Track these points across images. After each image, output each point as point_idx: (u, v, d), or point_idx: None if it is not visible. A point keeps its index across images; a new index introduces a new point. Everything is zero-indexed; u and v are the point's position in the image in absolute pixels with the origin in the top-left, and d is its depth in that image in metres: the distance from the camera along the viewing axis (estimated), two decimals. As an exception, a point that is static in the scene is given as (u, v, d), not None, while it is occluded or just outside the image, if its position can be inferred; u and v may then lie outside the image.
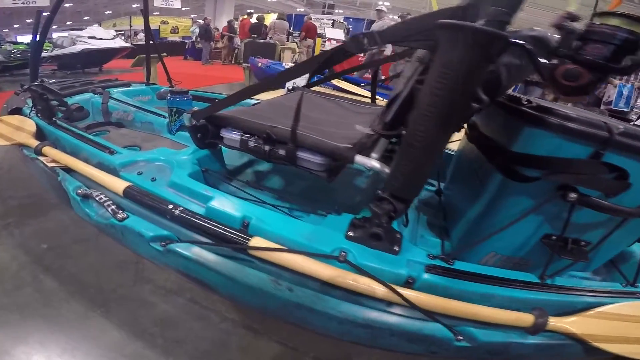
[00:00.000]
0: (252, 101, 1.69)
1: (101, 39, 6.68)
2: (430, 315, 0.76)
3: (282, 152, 0.96)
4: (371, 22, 11.27)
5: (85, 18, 18.88)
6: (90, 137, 1.42)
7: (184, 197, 1.04)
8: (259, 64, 4.96)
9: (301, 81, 4.85)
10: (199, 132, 1.15)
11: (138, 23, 11.24)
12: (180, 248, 0.91)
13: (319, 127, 1.07)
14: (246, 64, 5.62)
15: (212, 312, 1.35)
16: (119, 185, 1.05)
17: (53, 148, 1.40)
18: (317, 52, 8.46)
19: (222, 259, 0.88)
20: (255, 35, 6.87)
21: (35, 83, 1.66)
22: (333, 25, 9.39)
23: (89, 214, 1.06)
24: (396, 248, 0.84)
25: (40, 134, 1.60)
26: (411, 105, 0.73)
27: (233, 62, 9.19)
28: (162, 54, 2.74)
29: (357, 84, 4.34)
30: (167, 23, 11.67)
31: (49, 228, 1.72)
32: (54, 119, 1.68)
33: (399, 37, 0.75)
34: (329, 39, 7.81)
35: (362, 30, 11.36)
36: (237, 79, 6.40)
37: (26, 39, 7.63)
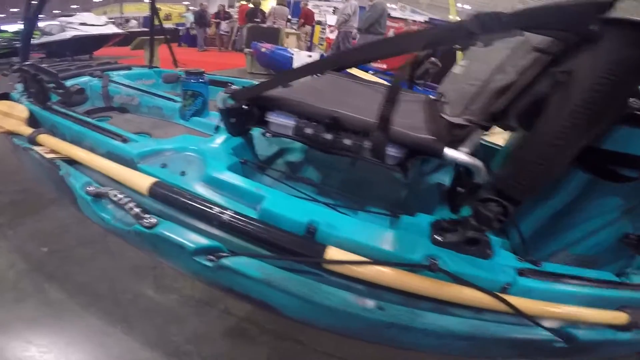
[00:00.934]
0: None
1: (92, 25, 6.20)
2: (536, 321, 0.71)
3: (347, 141, 0.80)
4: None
5: (73, 6, 17.83)
6: (96, 122, 1.16)
7: (225, 196, 0.83)
8: (263, 49, 4.62)
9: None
10: (233, 116, 0.94)
11: (129, 10, 10.63)
12: (235, 263, 0.71)
13: (405, 120, 0.90)
14: (248, 49, 5.26)
15: (249, 323, 1.16)
16: (142, 181, 0.82)
17: (51, 136, 1.15)
18: (315, 39, 8.05)
19: (291, 275, 0.70)
20: (258, 20, 6.44)
21: (27, 63, 1.38)
22: (334, 12, 8.96)
23: (104, 217, 0.83)
24: (489, 252, 0.74)
25: (33, 121, 1.33)
26: (529, 96, 0.67)
27: (230, 48, 8.76)
28: (167, 37, 2.45)
29: (366, 71, 4.09)
30: (160, 10, 11.03)
31: (48, 228, 1.47)
32: (48, 103, 1.41)
33: (533, 24, 0.63)
34: (330, 26, 7.42)
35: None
36: (237, 65, 6.02)
37: (11, 27, 7.09)
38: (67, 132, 1.23)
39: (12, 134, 1.25)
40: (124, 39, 6.63)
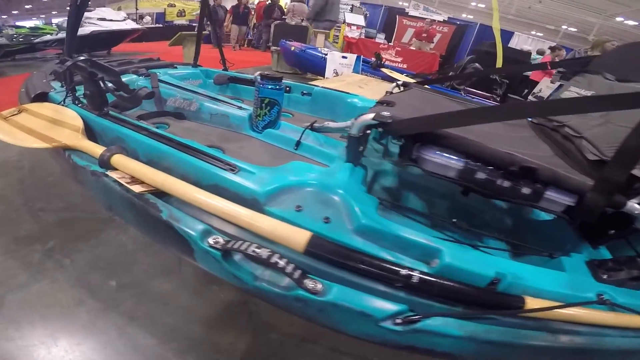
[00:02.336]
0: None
1: (111, 20, 5.84)
2: None
3: (526, 190, 0.72)
4: (388, 8, 10.27)
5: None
6: (190, 142, 0.91)
7: (384, 247, 0.66)
8: (292, 48, 4.27)
9: (344, 68, 4.19)
10: (362, 144, 0.81)
11: (144, 6, 10.13)
12: (430, 325, 0.63)
13: (529, 151, 0.81)
14: (275, 47, 4.91)
15: (357, 358, 0.98)
16: (296, 236, 0.58)
17: (129, 158, 0.90)
18: (340, 38, 7.57)
19: (491, 327, 0.66)
20: (286, 17, 6.05)
21: (82, 57, 1.10)
22: (352, 10, 8.50)
23: (241, 277, 0.60)
24: None
25: (87, 131, 1.08)
26: None
27: (246, 45, 8.36)
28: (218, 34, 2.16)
29: (402, 73, 3.84)
30: (174, 6, 10.51)
31: (109, 256, 1.22)
32: (105, 109, 1.15)
33: None
34: (349, 24, 6.98)
35: (379, 17, 10.45)
36: (258, 63, 5.66)
37: (26, 24, 6.71)
38: (140, 151, 0.98)
39: (69, 149, 1.00)
40: (142, 35, 6.28)
